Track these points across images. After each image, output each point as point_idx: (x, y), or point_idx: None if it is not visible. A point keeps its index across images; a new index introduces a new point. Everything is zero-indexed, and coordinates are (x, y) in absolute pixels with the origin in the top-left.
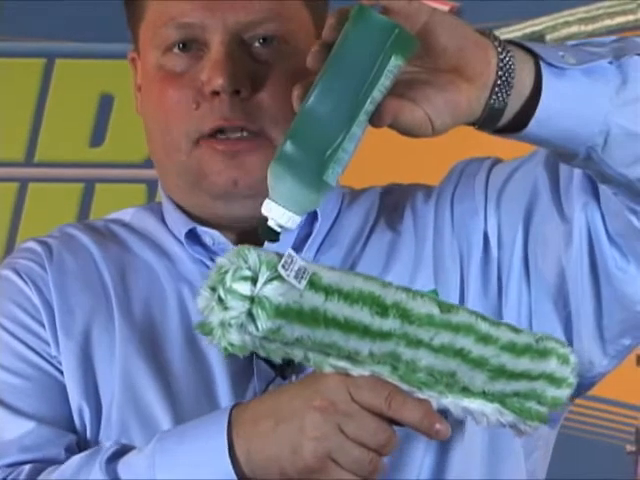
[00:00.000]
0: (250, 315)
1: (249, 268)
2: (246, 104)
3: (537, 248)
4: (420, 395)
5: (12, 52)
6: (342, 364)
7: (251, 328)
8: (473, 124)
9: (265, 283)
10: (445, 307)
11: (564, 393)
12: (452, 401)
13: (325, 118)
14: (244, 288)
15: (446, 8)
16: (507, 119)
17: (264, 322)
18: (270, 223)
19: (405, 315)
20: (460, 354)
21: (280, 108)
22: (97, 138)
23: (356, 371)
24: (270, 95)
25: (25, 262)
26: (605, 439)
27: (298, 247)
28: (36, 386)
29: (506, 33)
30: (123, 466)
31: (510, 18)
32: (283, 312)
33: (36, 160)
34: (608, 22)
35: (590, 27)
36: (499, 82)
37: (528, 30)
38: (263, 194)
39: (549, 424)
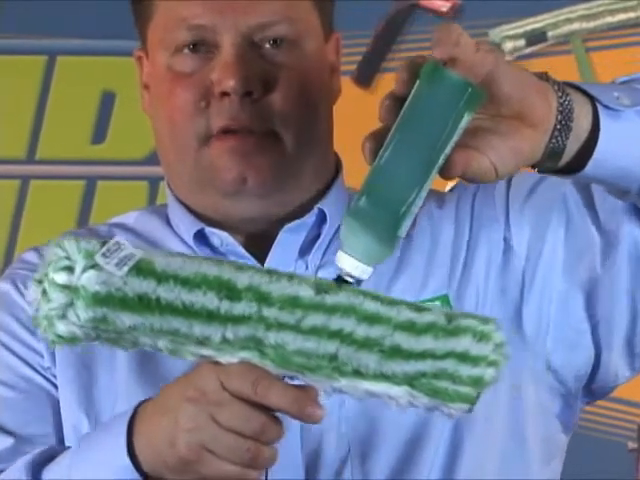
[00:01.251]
0: (72, 305)
1: (68, 258)
2: (256, 105)
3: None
4: (304, 379)
5: (13, 49)
6: (206, 352)
7: (73, 318)
8: (532, 166)
9: (83, 272)
10: (323, 288)
11: (486, 372)
12: (347, 384)
13: (400, 175)
14: (63, 279)
15: (448, 5)
16: (565, 161)
17: (83, 311)
18: (342, 274)
19: (263, 298)
20: (338, 335)
21: (291, 109)
22: (99, 135)
23: (224, 358)
24: (281, 96)
25: (23, 273)
26: (607, 436)
27: (306, 249)
28: (25, 399)
29: (507, 30)
30: (50, 466)
31: (511, 15)
32: (103, 300)
33: (38, 157)
34: (609, 19)
35: (592, 24)
36: (559, 126)
37: (529, 27)
38: (272, 194)
39: (565, 431)
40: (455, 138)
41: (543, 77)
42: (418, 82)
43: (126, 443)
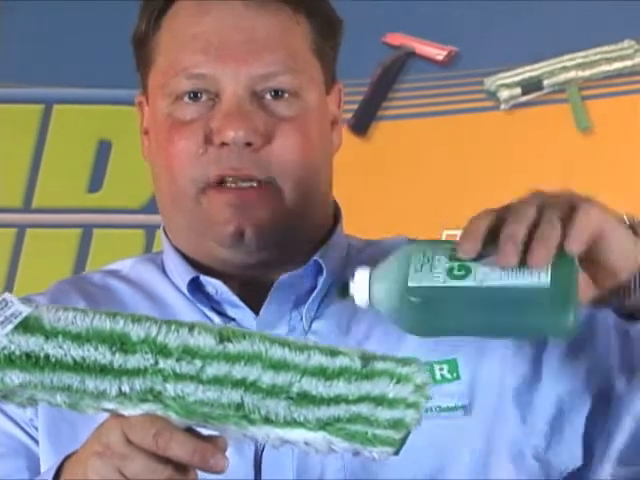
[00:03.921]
0: None
1: None
2: (255, 155)
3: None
4: (213, 429)
5: (10, 98)
6: (108, 405)
7: None
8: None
9: None
10: (226, 337)
11: (406, 414)
12: (258, 432)
13: None
14: None
15: (443, 53)
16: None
17: None
18: (351, 288)
19: (159, 350)
20: (243, 384)
21: (290, 160)
22: (95, 184)
23: (127, 411)
24: (280, 147)
25: None
26: None
27: (302, 300)
28: (3, 453)
29: (503, 78)
30: None
31: (508, 63)
32: None
33: (34, 206)
34: (606, 67)
35: (588, 72)
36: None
37: (526, 75)
38: (269, 246)
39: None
40: None
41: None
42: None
43: None
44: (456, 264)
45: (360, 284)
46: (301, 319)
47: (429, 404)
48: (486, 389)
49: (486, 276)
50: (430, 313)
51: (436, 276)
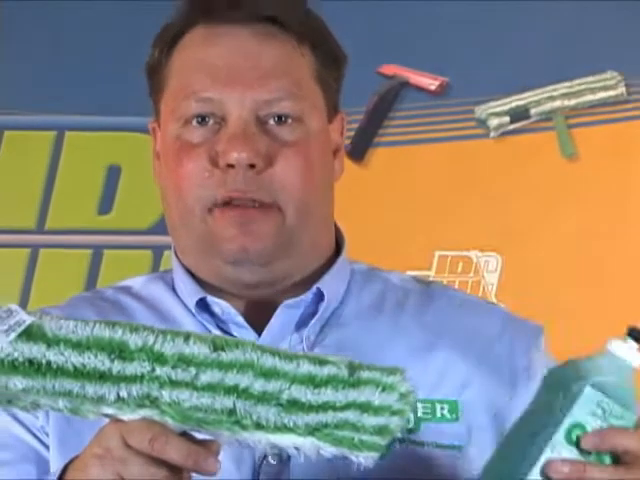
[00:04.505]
0: None
1: None
2: (259, 177)
3: None
4: (207, 433)
5: (24, 125)
6: (107, 410)
7: None
8: None
9: None
10: (219, 345)
11: (391, 421)
12: (250, 436)
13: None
14: None
15: (436, 83)
16: None
17: None
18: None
19: (156, 357)
20: (235, 391)
21: (291, 182)
22: (105, 206)
23: (125, 416)
24: (282, 170)
25: None
26: None
27: (303, 323)
28: (13, 458)
29: (492, 107)
30: None
31: (496, 93)
32: None
33: (47, 227)
34: (590, 97)
35: (573, 102)
36: None
37: (514, 104)
38: (272, 262)
39: None
40: None
41: None
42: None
43: None
44: None
45: None
46: (301, 341)
47: (428, 439)
48: (482, 434)
49: None
50: None
51: None
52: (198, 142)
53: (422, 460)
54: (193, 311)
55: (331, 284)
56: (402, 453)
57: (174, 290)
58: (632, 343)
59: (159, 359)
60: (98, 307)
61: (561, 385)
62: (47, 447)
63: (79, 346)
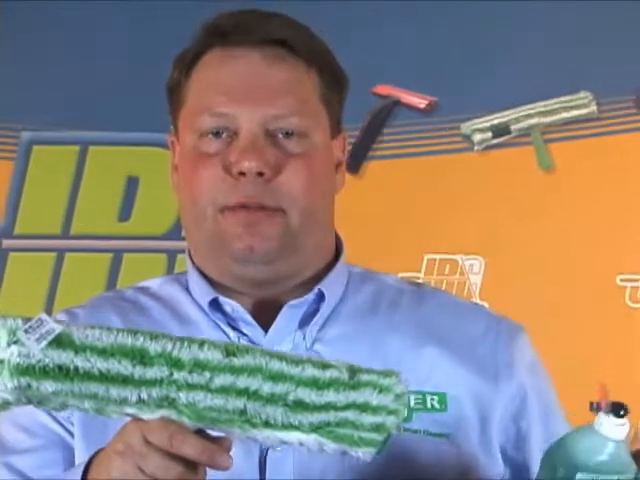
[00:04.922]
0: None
1: None
2: (267, 185)
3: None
4: (220, 431)
5: (51, 140)
6: (129, 410)
7: (1, 387)
8: None
9: (7, 347)
10: (231, 352)
11: (387, 419)
12: (260, 434)
13: None
14: None
15: (425, 102)
16: None
17: (8, 381)
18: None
19: (174, 363)
20: (246, 393)
21: (297, 190)
22: (124, 214)
23: (145, 415)
24: (288, 178)
25: None
26: None
27: (305, 322)
28: (40, 445)
29: (476, 124)
30: None
31: (481, 111)
32: (25, 371)
33: (72, 233)
34: (565, 115)
35: (549, 119)
36: None
37: (496, 121)
38: (276, 261)
39: None
40: None
41: None
42: None
43: None
44: None
45: None
46: (304, 338)
47: (420, 427)
48: (468, 423)
49: None
50: None
51: None
52: (213, 153)
53: (415, 446)
54: (206, 310)
55: (331, 285)
56: (397, 440)
57: (188, 291)
58: (616, 419)
59: (176, 364)
60: (119, 307)
61: (556, 469)
62: (72, 435)
63: (104, 353)
